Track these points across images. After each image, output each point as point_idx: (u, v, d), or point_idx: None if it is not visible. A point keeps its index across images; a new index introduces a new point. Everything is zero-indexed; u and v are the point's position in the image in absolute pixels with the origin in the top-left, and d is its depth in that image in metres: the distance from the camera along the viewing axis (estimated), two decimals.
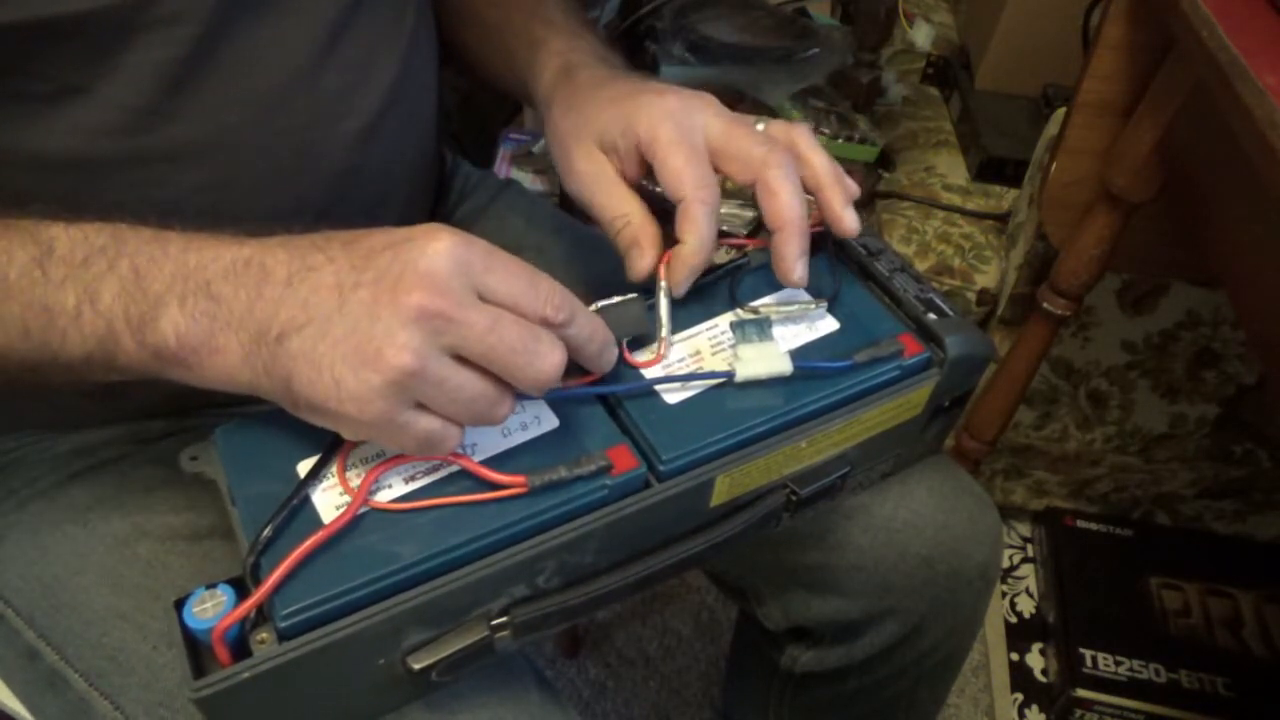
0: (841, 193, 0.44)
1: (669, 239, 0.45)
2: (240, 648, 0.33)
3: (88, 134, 0.41)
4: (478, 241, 0.35)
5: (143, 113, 0.41)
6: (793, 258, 0.42)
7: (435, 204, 0.63)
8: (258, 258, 0.35)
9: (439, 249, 0.33)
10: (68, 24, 0.38)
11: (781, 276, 0.43)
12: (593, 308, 0.41)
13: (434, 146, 0.59)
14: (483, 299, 0.34)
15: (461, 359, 0.34)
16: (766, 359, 0.41)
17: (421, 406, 0.34)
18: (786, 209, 0.42)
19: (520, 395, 0.37)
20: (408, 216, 0.57)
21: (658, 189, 0.45)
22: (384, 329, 0.32)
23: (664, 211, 0.45)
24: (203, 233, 0.36)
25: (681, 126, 0.43)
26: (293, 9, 0.44)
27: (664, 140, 0.43)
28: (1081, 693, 0.96)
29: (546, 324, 0.35)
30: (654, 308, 0.43)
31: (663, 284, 0.43)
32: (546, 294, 0.35)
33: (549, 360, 0.35)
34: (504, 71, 0.58)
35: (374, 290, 0.33)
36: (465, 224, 0.65)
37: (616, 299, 0.42)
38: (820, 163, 0.44)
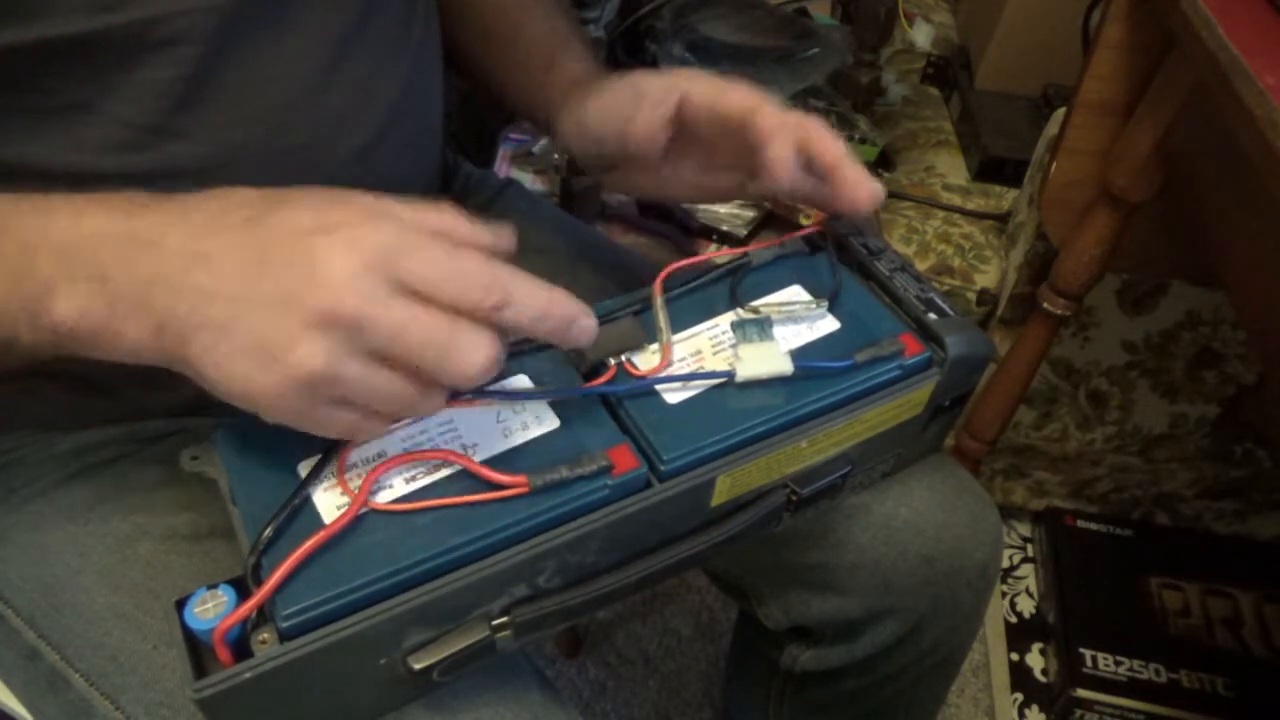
0: (859, 165, 0.47)
1: (682, 254, 0.45)
2: (241, 648, 0.33)
3: (91, 150, 0.41)
4: (388, 225, 0.33)
5: (147, 130, 0.41)
6: (863, 178, 0.46)
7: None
8: (154, 234, 0.33)
9: (344, 246, 0.32)
10: (73, 44, 0.38)
11: (860, 199, 0.45)
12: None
13: (438, 157, 0.59)
14: (403, 289, 0.32)
15: (375, 358, 0.32)
16: (767, 359, 0.41)
17: (338, 401, 0.33)
18: (835, 145, 0.45)
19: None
20: None
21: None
22: (288, 333, 0.31)
23: (685, 228, 0.46)
24: (91, 199, 0.34)
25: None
26: (298, 28, 0.44)
27: (716, 85, 0.47)
28: (1081, 693, 0.96)
29: (476, 310, 0.33)
30: (642, 317, 0.43)
31: (659, 297, 0.43)
32: (471, 277, 0.33)
33: (471, 356, 0.32)
34: (505, 80, 0.59)
35: (276, 290, 0.32)
36: None
37: (603, 314, 0.43)
38: (837, 143, 0.47)
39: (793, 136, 0.44)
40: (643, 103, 0.47)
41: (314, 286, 0.31)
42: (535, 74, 0.57)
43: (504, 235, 0.36)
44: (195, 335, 0.32)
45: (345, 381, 0.32)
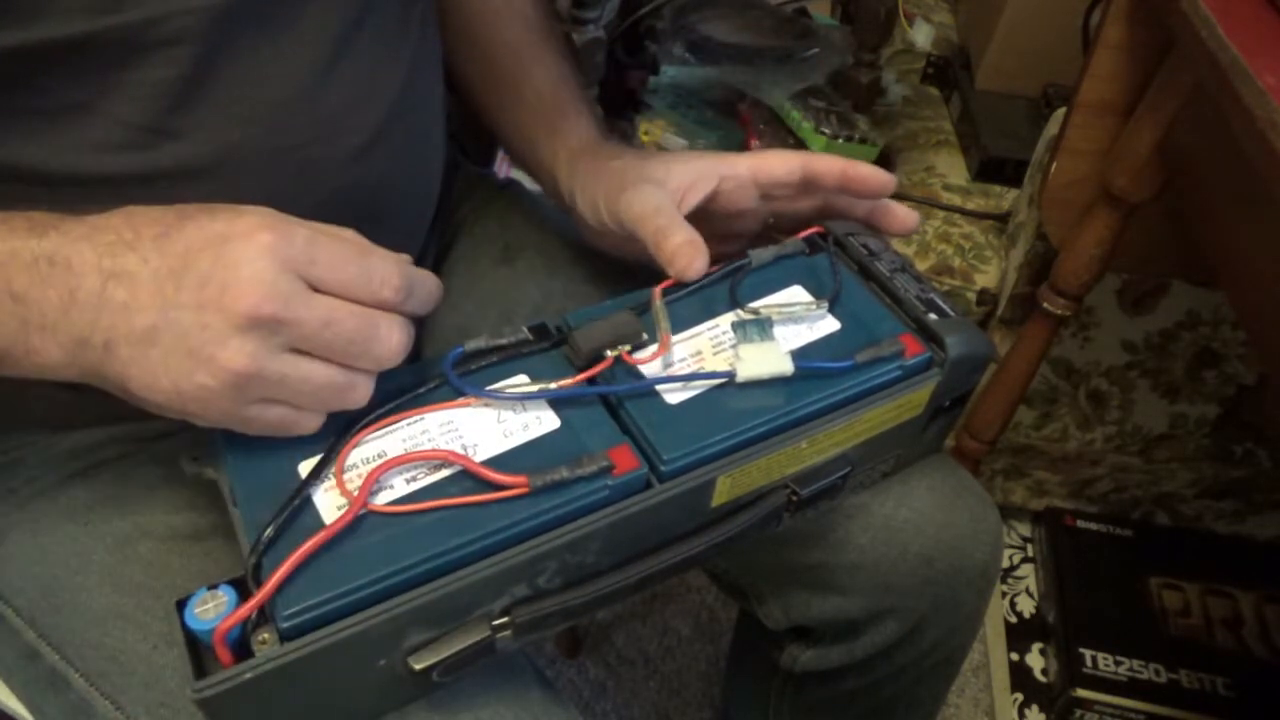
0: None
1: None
2: (242, 648, 0.33)
3: (90, 151, 0.41)
4: (299, 230, 0.35)
5: (145, 130, 0.41)
6: (878, 175, 0.48)
7: (436, 207, 0.63)
8: (62, 254, 0.34)
9: (260, 249, 0.33)
10: (70, 45, 0.38)
11: (878, 188, 0.49)
12: (586, 325, 0.42)
13: (439, 157, 0.59)
14: (315, 289, 0.34)
15: (301, 351, 0.35)
16: (768, 359, 0.41)
17: (268, 399, 0.35)
18: (835, 160, 0.48)
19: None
20: (410, 228, 0.57)
21: None
22: (214, 335, 0.33)
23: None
24: None
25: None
26: (295, 27, 0.44)
27: (749, 160, 0.49)
28: (1081, 693, 0.96)
29: (384, 305, 0.36)
30: (642, 318, 0.43)
31: (658, 301, 0.43)
32: (381, 274, 0.36)
33: (389, 343, 0.36)
34: (505, 126, 0.61)
35: (198, 296, 0.33)
36: (466, 225, 0.65)
37: (605, 310, 0.43)
38: (836, 158, 0.49)
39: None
40: (677, 195, 0.48)
41: (233, 291, 0.33)
42: (538, 131, 0.57)
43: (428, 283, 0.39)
44: (119, 349, 0.34)
45: (271, 378, 0.34)
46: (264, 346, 0.33)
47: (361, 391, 0.36)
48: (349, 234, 0.37)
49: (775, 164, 0.49)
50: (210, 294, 0.33)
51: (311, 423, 0.36)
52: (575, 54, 0.83)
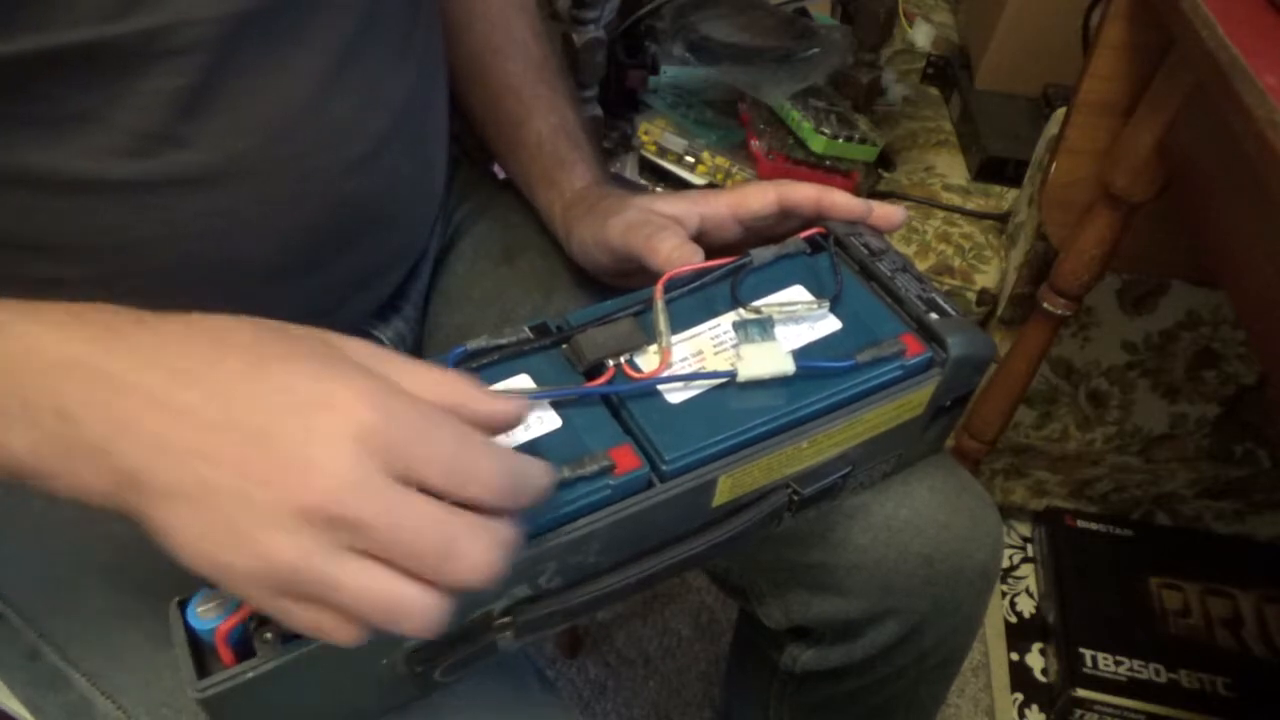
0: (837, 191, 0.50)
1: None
2: (244, 648, 0.33)
3: (97, 157, 0.41)
4: (395, 402, 0.29)
5: (152, 138, 0.41)
6: (851, 204, 0.48)
7: (436, 209, 0.63)
8: (129, 377, 0.30)
9: (350, 431, 0.28)
10: (79, 53, 0.38)
11: (852, 217, 0.49)
12: (587, 330, 0.42)
13: (443, 161, 0.59)
14: (405, 480, 0.29)
15: (363, 553, 0.29)
16: (769, 359, 0.41)
17: (306, 598, 0.29)
18: (810, 189, 0.48)
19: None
20: (412, 230, 0.57)
21: None
22: (266, 518, 0.28)
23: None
24: (50, 314, 0.31)
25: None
26: (301, 38, 0.44)
27: (729, 195, 0.50)
28: (1081, 693, 0.97)
29: (480, 507, 0.30)
30: (642, 318, 0.43)
31: (659, 301, 0.43)
32: (480, 470, 0.30)
33: (476, 559, 0.29)
34: (507, 161, 0.62)
35: (264, 466, 0.28)
36: (466, 225, 0.65)
37: (604, 315, 0.43)
38: (811, 187, 0.49)
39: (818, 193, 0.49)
40: (666, 231, 0.48)
41: (307, 477, 0.28)
42: (536, 181, 0.59)
43: (515, 404, 0.34)
44: (162, 499, 0.30)
45: (315, 579, 0.28)
46: (317, 545, 0.28)
47: (419, 619, 0.29)
48: (458, 393, 0.32)
49: (753, 200, 0.49)
50: (276, 472, 0.28)
51: (348, 635, 0.29)
52: (575, 56, 0.83)
